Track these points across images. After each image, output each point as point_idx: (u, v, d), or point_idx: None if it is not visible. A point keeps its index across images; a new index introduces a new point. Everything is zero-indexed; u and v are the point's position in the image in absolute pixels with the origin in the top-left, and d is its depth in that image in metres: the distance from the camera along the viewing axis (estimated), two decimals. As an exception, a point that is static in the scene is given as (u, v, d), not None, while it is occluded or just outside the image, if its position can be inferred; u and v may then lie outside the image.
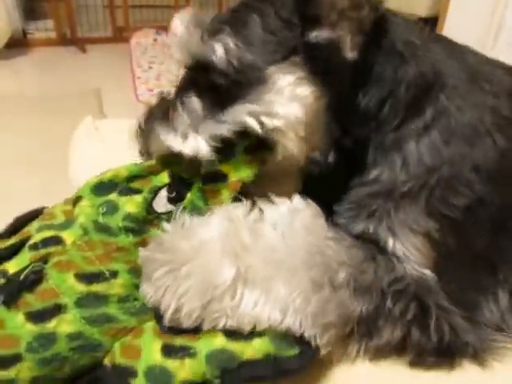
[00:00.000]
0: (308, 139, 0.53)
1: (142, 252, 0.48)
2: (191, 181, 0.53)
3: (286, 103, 0.51)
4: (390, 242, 0.51)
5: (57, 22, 3.81)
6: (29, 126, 2.50)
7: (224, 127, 0.52)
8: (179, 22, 0.55)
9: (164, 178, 0.52)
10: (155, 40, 4.28)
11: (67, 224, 0.52)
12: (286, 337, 0.45)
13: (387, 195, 0.52)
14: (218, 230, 0.48)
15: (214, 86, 0.52)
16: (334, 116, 0.55)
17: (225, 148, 0.52)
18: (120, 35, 4.17)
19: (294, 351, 0.44)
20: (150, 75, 3.37)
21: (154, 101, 0.61)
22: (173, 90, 0.58)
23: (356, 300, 0.46)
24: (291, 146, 0.52)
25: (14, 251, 0.50)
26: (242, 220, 0.49)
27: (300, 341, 0.45)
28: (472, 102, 0.53)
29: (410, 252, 0.50)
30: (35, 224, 0.53)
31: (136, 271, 0.49)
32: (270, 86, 0.51)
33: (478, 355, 0.49)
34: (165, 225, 0.49)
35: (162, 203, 0.51)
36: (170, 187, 0.51)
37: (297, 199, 0.51)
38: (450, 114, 0.52)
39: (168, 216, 0.51)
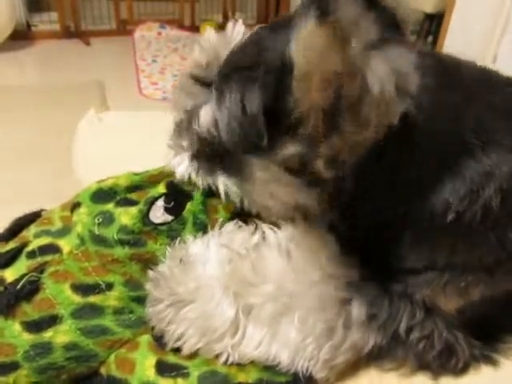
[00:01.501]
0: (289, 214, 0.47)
1: (147, 286, 0.49)
2: (189, 191, 0.53)
3: (261, 194, 0.46)
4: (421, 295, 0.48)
5: (61, 14, 3.80)
6: (32, 117, 2.50)
7: (197, 174, 0.52)
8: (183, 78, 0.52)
9: (161, 188, 0.52)
10: (159, 33, 4.26)
11: (64, 231, 0.52)
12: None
13: (437, 284, 0.47)
14: (217, 267, 0.47)
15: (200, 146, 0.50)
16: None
17: None
18: (124, 28, 4.16)
19: (286, 378, 0.44)
20: (154, 69, 3.36)
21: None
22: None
23: (369, 336, 0.45)
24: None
25: (11, 257, 0.50)
26: (243, 252, 0.47)
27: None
28: None
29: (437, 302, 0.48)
30: (33, 229, 0.53)
31: (132, 284, 0.49)
32: (246, 174, 0.46)
33: (494, 361, 0.49)
34: (162, 259, 0.49)
35: (159, 213, 0.51)
36: (167, 197, 0.51)
37: (302, 224, 0.47)
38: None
39: (167, 227, 0.50)
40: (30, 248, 0.50)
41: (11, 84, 3.03)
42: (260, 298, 0.45)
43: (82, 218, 0.52)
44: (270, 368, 0.44)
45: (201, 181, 0.52)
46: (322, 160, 0.39)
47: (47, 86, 3.03)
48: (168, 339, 0.46)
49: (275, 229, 0.49)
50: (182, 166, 0.52)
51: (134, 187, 0.53)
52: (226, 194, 0.50)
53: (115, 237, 0.48)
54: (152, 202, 0.51)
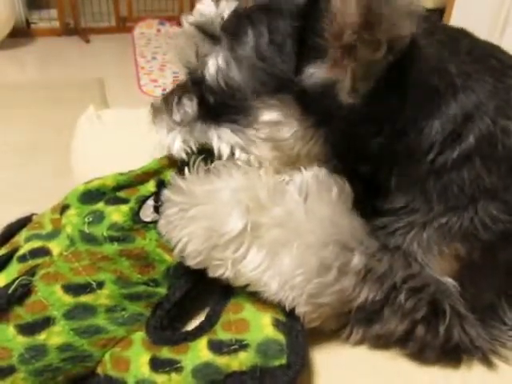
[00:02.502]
0: (291, 163, 0.52)
1: (165, 192, 0.49)
2: None
3: (262, 144, 0.50)
4: (415, 249, 0.50)
5: (60, 11, 3.79)
6: (32, 115, 2.51)
7: (197, 139, 0.53)
8: (186, 23, 0.53)
9: (150, 187, 0.52)
10: (159, 30, 4.25)
11: (54, 234, 0.52)
12: (274, 346, 0.44)
13: (422, 226, 0.50)
14: (234, 181, 0.48)
15: (204, 99, 0.52)
16: (338, 150, 0.51)
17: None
18: (123, 25, 4.14)
19: (280, 361, 0.44)
20: (154, 66, 3.36)
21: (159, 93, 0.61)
22: (178, 86, 0.59)
23: (362, 288, 0.46)
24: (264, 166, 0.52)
25: (3, 262, 0.50)
26: (263, 176, 0.48)
27: (289, 350, 0.44)
28: None
29: (432, 262, 0.50)
30: (24, 233, 0.53)
31: (123, 281, 0.49)
32: (252, 121, 0.50)
33: (487, 357, 0.49)
34: (185, 170, 0.50)
35: (148, 212, 0.51)
36: (157, 196, 0.51)
37: (324, 171, 0.50)
38: (494, 140, 0.48)
39: (155, 225, 0.51)
40: (21, 252, 0.50)
41: (11, 81, 3.04)
42: (269, 220, 0.46)
43: (72, 219, 0.52)
44: (263, 353, 0.44)
45: (195, 144, 0.53)
46: (346, 83, 0.44)
47: (47, 83, 3.03)
48: (175, 240, 0.46)
49: (302, 170, 0.50)
50: (177, 141, 0.53)
51: (121, 187, 0.53)
52: (220, 150, 0.52)
53: (105, 234, 0.48)
54: (143, 201, 0.51)
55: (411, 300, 0.47)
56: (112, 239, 0.48)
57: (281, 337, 0.45)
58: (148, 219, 0.51)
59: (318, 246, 0.45)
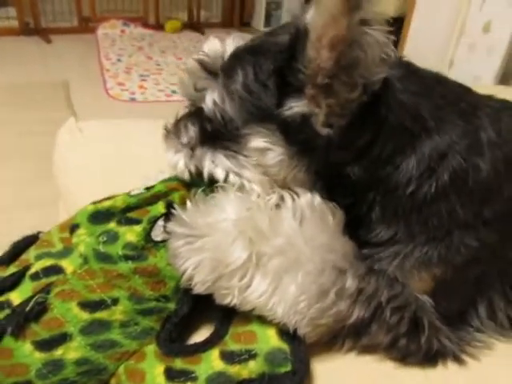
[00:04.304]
0: (279, 186, 0.56)
1: (169, 225, 0.53)
2: None
3: (252, 169, 0.55)
4: (397, 274, 0.55)
5: (19, 10, 3.67)
6: (-4, 117, 2.43)
7: (197, 161, 0.59)
8: (191, 62, 0.58)
9: (160, 208, 0.55)
10: (123, 31, 4.20)
11: (66, 252, 0.54)
12: (280, 355, 0.49)
13: (405, 255, 0.55)
14: (234, 212, 0.51)
15: (204, 127, 0.58)
16: (320, 180, 0.56)
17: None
18: (86, 26, 4.06)
19: (286, 368, 0.48)
20: (119, 68, 3.32)
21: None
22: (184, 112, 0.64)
23: (354, 308, 0.51)
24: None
25: (15, 281, 0.52)
26: (261, 206, 0.53)
27: (293, 358, 0.49)
28: (489, 158, 0.54)
29: (412, 283, 0.55)
30: (33, 251, 0.55)
31: (136, 297, 0.52)
32: (243, 147, 0.55)
33: (458, 358, 0.56)
34: (187, 202, 0.54)
35: (158, 232, 0.54)
36: (167, 217, 0.54)
37: (317, 197, 0.54)
38: (466, 176, 0.54)
39: (164, 244, 0.54)
40: (33, 270, 0.52)
41: (-32, 83, 2.92)
42: (271, 249, 0.50)
43: (83, 238, 0.54)
44: (270, 362, 0.48)
45: (195, 167, 0.59)
46: (320, 117, 0.50)
47: (8, 84, 2.93)
48: (182, 270, 0.50)
49: (294, 195, 0.54)
50: (181, 162, 0.59)
51: (130, 208, 0.56)
52: (215, 174, 0.57)
53: (120, 252, 0.51)
54: (154, 222, 0.54)
55: (395, 317, 0.53)
56: (127, 258, 0.51)
57: (285, 346, 0.49)
58: (158, 238, 0.54)
59: (316, 272, 0.50)
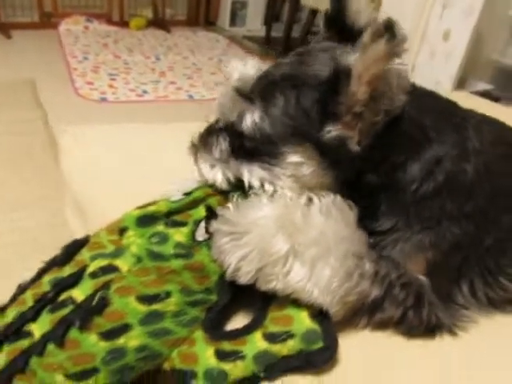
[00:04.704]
0: (307, 190, 0.66)
1: (213, 224, 0.60)
2: None
3: (286, 179, 0.64)
4: (398, 257, 0.66)
5: (-23, 4, 3.54)
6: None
7: (234, 172, 0.66)
8: (223, 90, 0.65)
9: (202, 212, 0.62)
10: (86, 28, 4.13)
11: (118, 253, 0.60)
12: (313, 334, 0.57)
13: (404, 241, 0.67)
14: (272, 210, 0.59)
15: (241, 143, 0.65)
16: (343, 184, 0.66)
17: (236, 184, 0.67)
18: (48, 21, 3.97)
19: (319, 345, 0.57)
20: (87, 67, 3.28)
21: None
22: (214, 125, 0.71)
23: (373, 287, 0.61)
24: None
25: (75, 279, 0.58)
26: (294, 204, 0.61)
27: (325, 336, 0.58)
28: (473, 163, 0.67)
29: (410, 266, 0.66)
30: (87, 253, 0.61)
31: (186, 290, 0.59)
32: (280, 161, 0.64)
33: (452, 331, 0.67)
34: (229, 204, 0.62)
35: (201, 233, 0.61)
36: (208, 219, 0.62)
37: (339, 196, 0.63)
38: (457, 177, 0.66)
39: (207, 243, 0.61)
40: (90, 270, 0.58)
41: None
42: (306, 240, 0.58)
43: (133, 240, 0.61)
44: (306, 340, 0.57)
45: (233, 177, 0.66)
46: (354, 138, 0.61)
47: (-31, 83, 2.84)
48: (230, 263, 0.57)
49: (320, 196, 0.63)
50: (219, 175, 0.67)
51: (172, 213, 0.63)
52: (251, 182, 0.65)
53: (171, 251, 0.58)
54: (198, 224, 0.61)
55: (402, 292, 0.63)
56: (177, 256, 0.58)
57: (317, 327, 0.58)
58: (201, 238, 0.61)
59: (343, 258, 0.59)
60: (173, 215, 0.63)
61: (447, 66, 2.41)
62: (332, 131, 0.61)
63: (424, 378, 0.61)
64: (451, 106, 0.72)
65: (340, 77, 0.58)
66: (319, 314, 0.59)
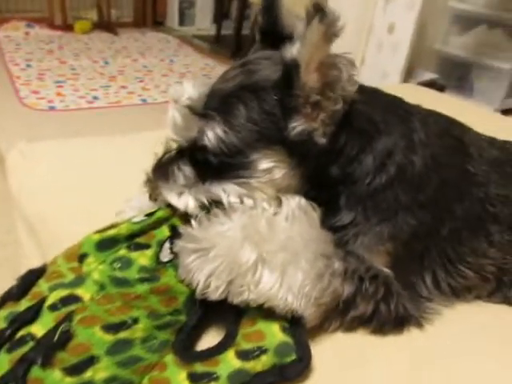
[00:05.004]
0: (277, 194, 0.66)
1: (177, 244, 0.58)
2: None
3: (263, 188, 0.64)
4: (361, 252, 0.67)
5: None
6: None
7: (208, 195, 0.64)
8: (173, 106, 0.63)
9: (165, 232, 0.61)
10: (27, 33, 3.95)
11: (78, 281, 0.57)
12: (286, 347, 0.57)
13: (363, 234, 0.68)
14: (237, 221, 0.59)
15: (206, 161, 0.64)
16: (307, 180, 0.67)
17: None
18: (-15, 28, 3.77)
19: (292, 357, 0.57)
20: (31, 75, 3.14)
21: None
22: (169, 154, 0.69)
23: (345, 285, 0.62)
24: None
25: (34, 314, 0.55)
26: (259, 213, 0.61)
27: (297, 348, 0.57)
28: (421, 155, 0.69)
29: (374, 259, 0.67)
30: (44, 284, 0.58)
31: (153, 314, 0.57)
32: (253, 171, 0.63)
33: (419, 323, 0.68)
34: (192, 221, 0.60)
35: (166, 253, 0.60)
36: (172, 239, 0.60)
37: (303, 198, 0.64)
38: (406, 169, 0.68)
39: (172, 263, 0.60)
40: (50, 302, 0.55)
41: None
42: (273, 247, 0.58)
43: (94, 266, 0.58)
44: (279, 354, 0.56)
45: (207, 200, 0.64)
46: (319, 129, 0.62)
47: None
48: (198, 280, 0.56)
49: (286, 200, 0.63)
50: (191, 202, 0.64)
51: (134, 235, 0.61)
52: (229, 202, 0.64)
53: (136, 276, 0.57)
54: (162, 244, 0.59)
55: (372, 286, 0.64)
56: (143, 280, 0.57)
57: (289, 339, 0.58)
58: (166, 259, 0.60)
59: (313, 260, 0.60)
60: (135, 237, 0.61)
61: (394, 58, 2.48)
62: (297, 126, 0.62)
63: (398, 373, 0.63)
64: (397, 100, 0.75)
65: (289, 71, 0.59)
66: (290, 326, 0.59)
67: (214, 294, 0.57)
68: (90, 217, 0.82)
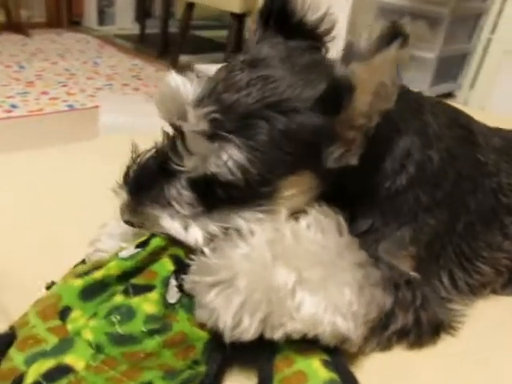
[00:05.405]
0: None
1: (189, 279, 0.47)
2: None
3: (284, 211, 0.54)
4: (385, 258, 0.59)
5: None
6: None
7: (221, 225, 0.53)
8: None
9: (168, 265, 0.48)
10: None
11: (65, 345, 0.44)
12: None
13: (383, 239, 0.61)
14: (260, 239, 0.49)
15: (213, 190, 0.52)
16: (328, 193, 0.58)
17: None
18: None
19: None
20: None
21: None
22: (144, 165, 0.55)
23: (385, 295, 0.54)
24: None
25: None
26: (281, 226, 0.51)
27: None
28: (436, 149, 0.63)
29: (399, 264, 0.60)
30: (18, 356, 0.43)
31: (169, 373, 0.45)
32: (273, 199, 0.53)
33: (452, 328, 0.63)
34: (204, 249, 0.49)
35: (172, 293, 0.48)
36: (178, 274, 0.48)
37: (323, 205, 0.55)
38: (425, 166, 0.62)
39: (181, 303, 0.48)
40: (30, 381, 0.41)
41: None
42: (307, 262, 0.49)
43: (83, 322, 0.45)
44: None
45: (217, 232, 0.53)
46: (356, 151, 0.54)
47: None
48: (225, 321, 0.45)
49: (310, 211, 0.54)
50: (200, 234, 0.52)
51: (127, 274, 0.48)
52: (250, 229, 0.52)
53: (143, 329, 0.44)
54: (167, 282, 0.47)
55: (409, 293, 0.58)
56: (152, 333, 0.44)
57: (333, 374, 0.49)
58: (173, 300, 0.47)
59: (351, 271, 0.51)
60: (129, 277, 0.48)
61: (333, 47, 2.47)
62: (334, 152, 0.53)
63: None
64: (405, 89, 0.67)
65: (340, 92, 0.49)
66: (330, 358, 0.50)
67: (248, 333, 0.46)
68: (54, 250, 0.67)
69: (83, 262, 0.62)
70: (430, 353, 0.61)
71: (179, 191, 0.53)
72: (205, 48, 4.14)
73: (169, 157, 0.52)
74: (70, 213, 0.79)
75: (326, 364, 0.49)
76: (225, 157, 0.49)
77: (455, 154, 0.66)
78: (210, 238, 0.52)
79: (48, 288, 0.59)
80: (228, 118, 0.49)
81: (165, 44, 3.90)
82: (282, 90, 0.51)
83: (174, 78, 0.52)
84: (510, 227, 0.71)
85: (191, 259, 0.49)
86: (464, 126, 0.71)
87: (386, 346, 0.57)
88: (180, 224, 0.52)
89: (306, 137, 0.51)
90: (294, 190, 0.54)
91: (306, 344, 0.50)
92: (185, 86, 0.52)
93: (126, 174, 0.56)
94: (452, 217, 0.66)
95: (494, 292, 0.75)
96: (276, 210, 0.54)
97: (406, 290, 0.57)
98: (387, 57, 0.46)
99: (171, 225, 0.52)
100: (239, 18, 3.10)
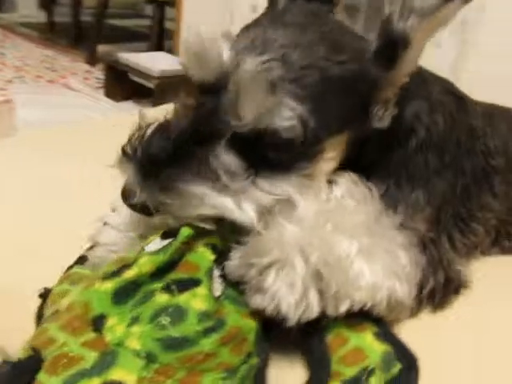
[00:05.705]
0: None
1: (238, 264, 0.43)
2: None
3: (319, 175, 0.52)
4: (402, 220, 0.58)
5: None
6: None
7: (270, 197, 0.48)
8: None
9: (208, 255, 0.43)
10: None
11: (108, 360, 0.37)
12: (388, 358, 0.46)
13: (399, 203, 0.59)
14: (308, 211, 0.47)
15: (259, 157, 0.47)
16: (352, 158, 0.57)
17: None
18: None
19: (397, 367, 0.45)
20: None
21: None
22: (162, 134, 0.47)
23: (423, 257, 0.54)
24: None
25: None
26: (322, 195, 0.50)
27: (399, 353, 0.47)
28: (441, 113, 0.65)
29: (416, 225, 0.60)
30: (52, 381, 0.36)
31: (229, 372, 0.40)
32: (315, 161, 0.51)
33: (467, 286, 0.63)
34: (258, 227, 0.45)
35: (217, 285, 0.43)
36: (220, 262, 0.43)
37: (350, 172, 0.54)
38: (432, 129, 0.63)
39: (226, 295, 0.43)
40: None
41: None
42: (359, 230, 0.48)
43: (124, 331, 0.38)
44: (386, 369, 0.45)
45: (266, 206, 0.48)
46: (391, 111, 0.54)
47: None
48: (289, 303, 0.42)
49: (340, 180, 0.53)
50: (251, 208, 0.47)
51: (162, 269, 0.42)
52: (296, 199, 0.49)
53: (197, 328, 0.39)
54: (211, 274, 0.42)
55: (436, 252, 0.59)
56: (208, 331, 0.39)
57: (386, 346, 0.47)
58: (218, 293, 0.42)
59: (394, 235, 0.51)
60: (164, 273, 0.42)
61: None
62: (380, 111, 0.52)
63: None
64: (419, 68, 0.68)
65: (396, 46, 0.49)
66: (380, 329, 0.48)
67: (312, 311, 0.42)
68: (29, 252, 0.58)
69: (81, 261, 0.54)
70: (453, 318, 0.60)
71: (224, 160, 0.46)
72: (122, 37, 3.93)
73: (211, 114, 0.45)
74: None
75: (377, 336, 0.48)
76: (288, 110, 0.44)
77: (455, 119, 0.68)
78: (262, 213, 0.46)
79: (42, 296, 0.51)
80: (284, 68, 0.46)
81: (78, 33, 3.65)
82: (332, 41, 0.50)
83: (206, 32, 0.47)
84: (498, 187, 0.74)
85: (229, 246, 0.44)
86: (455, 93, 0.72)
87: (417, 309, 0.57)
88: (232, 200, 0.45)
89: (361, 87, 0.50)
90: (335, 152, 0.52)
91: (355, 318, 0.47)
92: (221, 40, 0.47)
93: (132, 146, 0.47)
94: (455, 179, 0.68)
95: (483, 253, 0.78)
96: (315, 174, 0.51)
97: (433, 250, 0.57)
98: (445, 14, 0.46)
99: (222, 202, 0.45)
100: (161, 7, 2.99)
